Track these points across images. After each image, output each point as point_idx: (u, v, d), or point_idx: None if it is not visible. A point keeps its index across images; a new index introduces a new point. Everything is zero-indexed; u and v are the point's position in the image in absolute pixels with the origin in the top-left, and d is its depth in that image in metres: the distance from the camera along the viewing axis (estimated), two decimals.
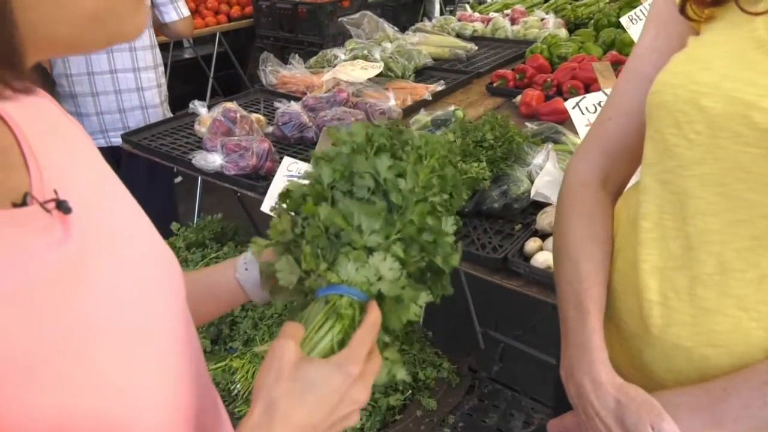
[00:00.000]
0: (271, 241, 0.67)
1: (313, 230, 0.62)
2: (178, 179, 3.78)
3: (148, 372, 0.47)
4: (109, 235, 0.48)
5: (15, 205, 0.40)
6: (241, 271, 0.73)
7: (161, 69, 2.40)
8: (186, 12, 2.41)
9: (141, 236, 0.54)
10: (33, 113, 0.49)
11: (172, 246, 1.88)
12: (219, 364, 1.46)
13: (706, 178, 0.64)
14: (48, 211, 0.42)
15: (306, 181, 0.69)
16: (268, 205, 1.64)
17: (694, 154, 0.65)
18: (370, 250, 0.62)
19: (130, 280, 0.49)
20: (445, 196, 0.68)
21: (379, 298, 0.61)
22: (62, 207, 0.43)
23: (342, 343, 0.58)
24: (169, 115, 2.46)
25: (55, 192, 0.44)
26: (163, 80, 2.41)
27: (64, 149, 0.51)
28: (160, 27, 2.44)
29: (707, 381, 0.66)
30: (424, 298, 0.63)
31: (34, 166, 0.44)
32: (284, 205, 0.69)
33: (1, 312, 0.36)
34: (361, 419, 1.29)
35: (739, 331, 0.64)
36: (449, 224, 0.66)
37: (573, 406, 0.76)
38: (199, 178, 2.58)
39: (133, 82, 2.28)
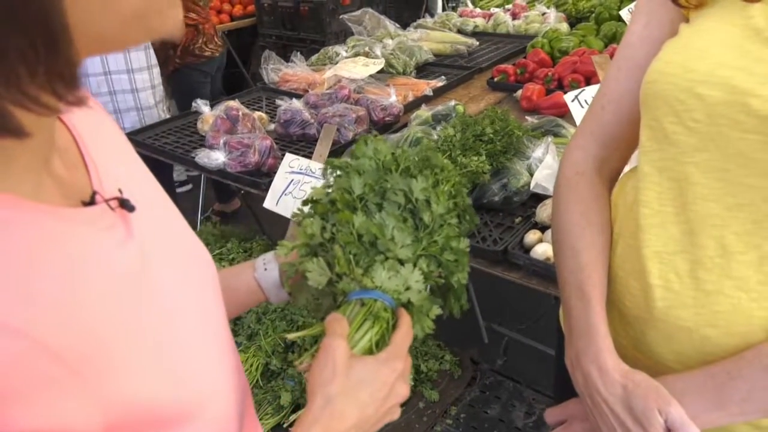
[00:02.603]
0: (297, 244, 0.71)
1: (345, 236, 0.67)
2: (188, 187, 3.81)
3: (210, 357, 0.49)
4: (161, 232, 0.50)
5: (84, 204, 0.42)
6: (260, 271, 0.75)
7: (156, 70, 2.40)
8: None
9: (182, 231, 0.56)
10: (82, 112, 0.50)
11: None
12: None
13: (706, 164, 0.65)
14: (113, 209, 0.43)
15: (326, 189, 0.74)
16: (270, 201, 1.66)
17: (693, 142, 0.66)
18: (400, 262, 0.67)
19: (184, 272, 0.51)
20: (455, 221, 0.73)
21: (405, 306, 0.66)
22: (126, 205, 0.44)
23: (378, 344, 0.63)
24: (165, 115, 2.47)
25: (120, 191, 0.45)
26: (158, 81, 2.42)
27: (111, 148, 0.52)
28: None
29: (711, 364, 0.67)
30: (436, 311, 0.69)
31: (92, 165, 0.45)
32: (306, 210, 0.74)
33: (85, 307, 0.37)
34: None
35: (739, 312, 0.65)
36: (467, 245, 0.72)
37: (579, 394, 0.77)
38: (203, 176, 2.60)
39: (127, 83, 2.29)
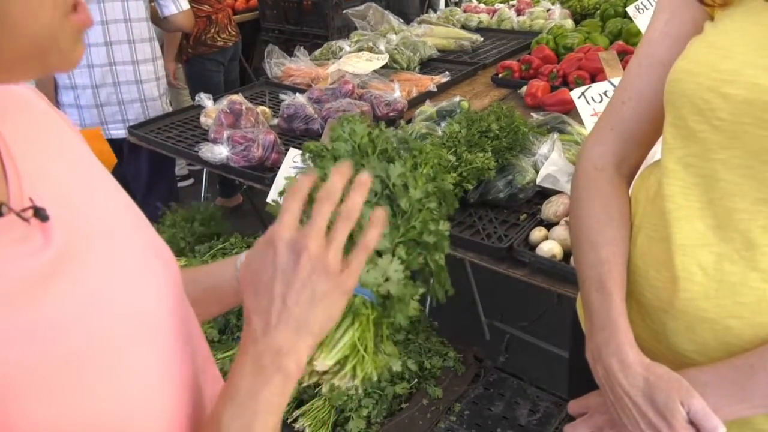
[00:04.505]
0: None
1: None
2: (190, 181, 3.80)
3: (145, 366, 0.47)
4: (95, 234, 0.48)
5: None
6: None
7: (160, 62, 2.40)
8: (185, 5, 2.41)
9: (130, 229, 0.53)
10: (13, 113, 0.48)
11: (174, 237, 1.88)
12: (227, 354, 1.48)
13: (731, 161, 0.66)
14: (25, 219, 0.41)
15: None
16: (274, 196, 1.65)
17: (718, 139, 0.66)
18: (378, 253, 0.65)
19: (121, 275, 0.48)
20: (434, 204, 0.71)
21: (386, 297, 0.64)
22: (39, 215, 0.42)
23: (360, 339, 0.60)
24: (169, 107, 2.47)
25: (31, 200, 0.43)
26: (162, 73, 2.41)
27: (47, 149, 0.50)
28: (158, 21, 2.44)
29: (734, 357, 0.68)
30: (419, 291, 0.67)
31: (12, 174, 0.43)
32: (281, 201, 0.71)
33: None
34: (367, 407, 1.30)
35: (763, 303, 0.66)
36: (446, 227, 0.70)
37: (600, 387, 0.77)
38: (205, 170, 2.59)
39: (131, 74, 2.28)
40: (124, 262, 0.49)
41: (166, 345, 0.50)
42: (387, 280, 0.64)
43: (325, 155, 0.71)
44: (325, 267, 0.51)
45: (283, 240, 0.51)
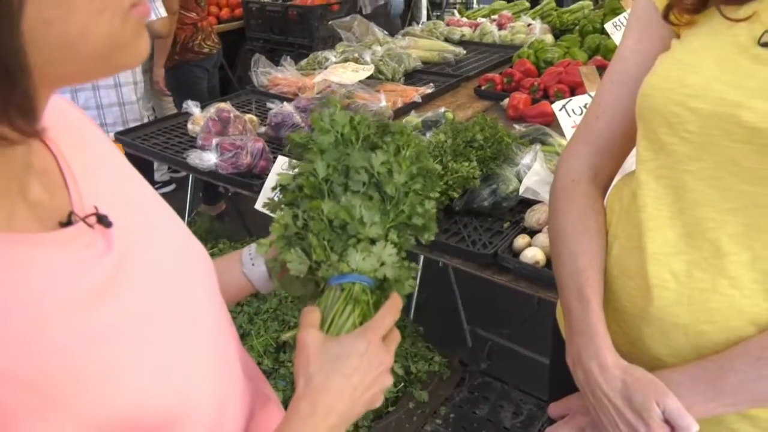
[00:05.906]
0: (273, 239, 0.72)
1: (318, 224, 0.68)
2: (172, 187, 3.78)
3: (200, 359, 0.50)
4: (147, 238, 0.51)
5: (61, 224, 0.43)
6: (248, 267, 0.76)
7: (138, 67, 2.42)
8: (163, 11, 2.43)
9: (173, 231, 0.57)
10: (63, 126, 0.51)
11: None
12: None
13: (700, 172, 0.70)
14: (91, 226, 0.44)
15: (292, 172, 0.74)
16: (262, 203, 1.67)
17: (688, 151, 0.70)
18: (372, 240, 0.68)
19: (172, 275, 0.51)
20: (419, 185, 0.74)
21: (384, 280, 0.68)
22: (103, 221, 0.45)
23: (362, 322, 0.65)
24: (147, 112, 2.49)
25: (96, 207, 0.46)
26: (140, 77, 2.43)
27: (95, 159, 0.52)
28: None
29: (705, 358, 0.71)
30: (414, 268, 0.71)
31: (72, 183, 0.46)
32: (275, 196, 0.74)
33: (52, 331, 0.38)
34: None
35: (733, 308, 0.69)
36: (432, 207, 0.74)
37: (580, 390, 0.81)
38: (191, 177, 2.59)
39: (110, 78, 2.30)
40: (174, 262, 0.52)
41: (212, 336, 0.53)
42: (383, 264, 0.67)
43: (311, 147, 0.72)
44: (387, 368, 0.64)
45: (376, 342, 0.63)
